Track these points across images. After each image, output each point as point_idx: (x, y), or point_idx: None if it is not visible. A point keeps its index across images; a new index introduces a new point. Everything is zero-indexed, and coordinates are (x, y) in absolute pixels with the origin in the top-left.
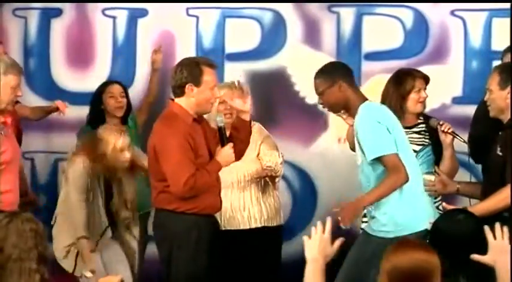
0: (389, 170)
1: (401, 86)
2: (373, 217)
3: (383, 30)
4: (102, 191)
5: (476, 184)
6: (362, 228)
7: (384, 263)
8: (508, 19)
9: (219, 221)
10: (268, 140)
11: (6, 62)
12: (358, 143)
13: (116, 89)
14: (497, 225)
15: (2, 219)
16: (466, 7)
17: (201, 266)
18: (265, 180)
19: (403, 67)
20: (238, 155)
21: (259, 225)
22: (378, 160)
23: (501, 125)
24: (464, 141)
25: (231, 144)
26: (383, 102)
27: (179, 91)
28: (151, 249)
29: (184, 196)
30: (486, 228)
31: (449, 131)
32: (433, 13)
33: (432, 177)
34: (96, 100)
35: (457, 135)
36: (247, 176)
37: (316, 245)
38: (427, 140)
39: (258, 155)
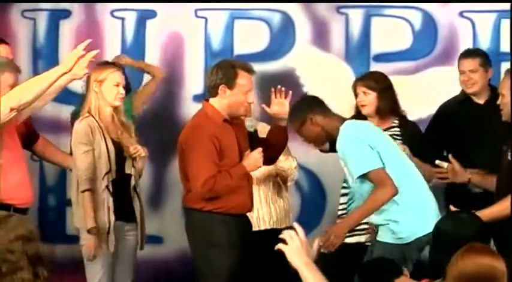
0: (376, 185)
1: None
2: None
3: (391, 32)
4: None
5: (488, 176)
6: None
7: (450, 270)
8: None
9: None
10: None
11: (2, 61)
12: (344, 163)
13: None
14: None
15: None
16: (474, 8)
17: (230, 265)
18: (277, 183)
19: (413, 68)
20: (270, 160)
21: (268, 227)
22: (365, 177)
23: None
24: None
25: (259, 149)
26: None
27: (213, 91)
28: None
29: (204, 197)
30: None
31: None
32: (442, 14)
33: (445, 164)
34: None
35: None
36: (258, 174)
37: (300, 250)
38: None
39: None
